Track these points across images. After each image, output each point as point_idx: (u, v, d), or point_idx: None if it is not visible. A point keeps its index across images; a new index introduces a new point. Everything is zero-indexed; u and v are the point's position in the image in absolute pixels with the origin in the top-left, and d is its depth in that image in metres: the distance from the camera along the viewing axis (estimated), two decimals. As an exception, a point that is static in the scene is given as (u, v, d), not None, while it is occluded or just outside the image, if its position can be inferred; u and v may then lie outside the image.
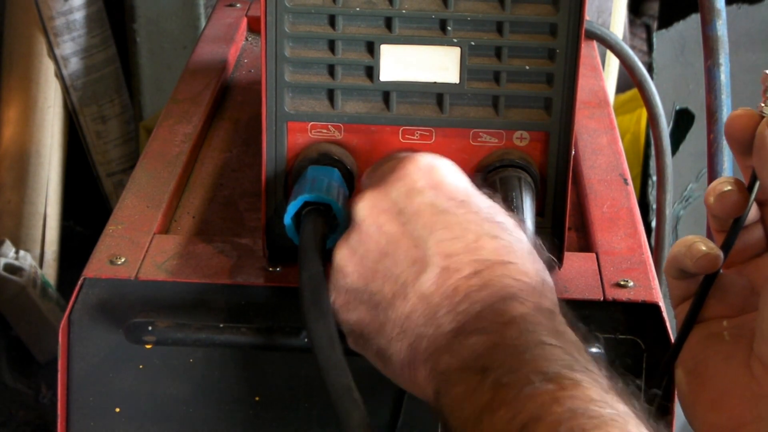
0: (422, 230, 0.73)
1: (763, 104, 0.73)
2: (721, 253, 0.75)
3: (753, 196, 0.74)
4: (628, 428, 0.61)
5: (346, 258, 0.75)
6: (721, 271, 0.77)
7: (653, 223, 1.54)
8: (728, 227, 0.75)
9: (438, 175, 0.76)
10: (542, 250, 0.76)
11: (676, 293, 0.79)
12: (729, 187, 0.74)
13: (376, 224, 0.74)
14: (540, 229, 0.87)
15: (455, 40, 0.84)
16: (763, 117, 0.72)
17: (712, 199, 0.74)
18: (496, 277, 0.71)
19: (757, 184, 0.74)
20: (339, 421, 0.72)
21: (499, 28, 0.85)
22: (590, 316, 0.86)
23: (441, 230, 0.73)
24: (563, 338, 0.68)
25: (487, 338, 0.67)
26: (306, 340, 0.81)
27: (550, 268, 0.76)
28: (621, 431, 0.61)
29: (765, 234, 0.76)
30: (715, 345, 0.76)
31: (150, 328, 0.82)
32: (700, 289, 0.77)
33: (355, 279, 0.75)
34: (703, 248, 0.75)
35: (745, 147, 0.73)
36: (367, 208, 0.75)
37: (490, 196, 0.77)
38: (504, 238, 0.73)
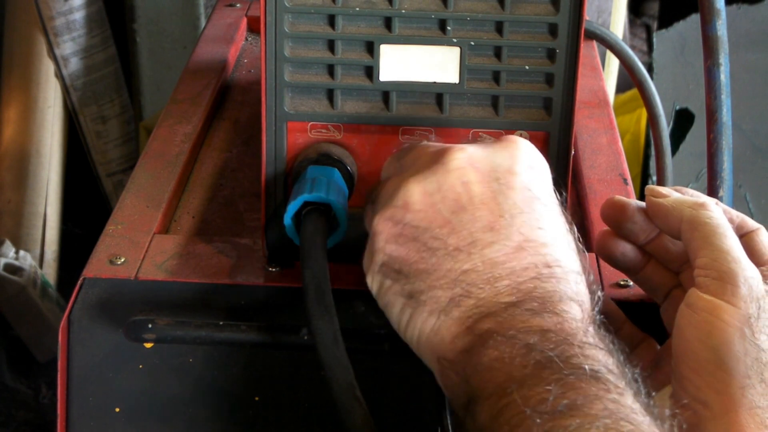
0: (512, 207, 0.73)
1: None
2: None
3: None
4: None
5: (418, 195, 0.74)
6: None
7: (653, 223, 1.54)
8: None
9: (539, 163, 0.76)
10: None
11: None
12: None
13: (466, 178, 0.73)
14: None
15: (455, 40, 0.84)
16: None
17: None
18: (564, 277, 0.71)
19: None
20: (341, 419, 0.72)
21: (499, 28, 0.85)
22: (590, 315, 0.86)
23: (529, 214, 0.73)
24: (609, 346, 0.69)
25: (540, 321, 0.68)
26: (306, 337, 0.81)
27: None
28: None
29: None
30: None
31: (150, 326, 0.82)
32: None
33: (419, 218, 0.73)
34: None
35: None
36: (464, 159, 0.74)
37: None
38: (574, 243, 0.74)
